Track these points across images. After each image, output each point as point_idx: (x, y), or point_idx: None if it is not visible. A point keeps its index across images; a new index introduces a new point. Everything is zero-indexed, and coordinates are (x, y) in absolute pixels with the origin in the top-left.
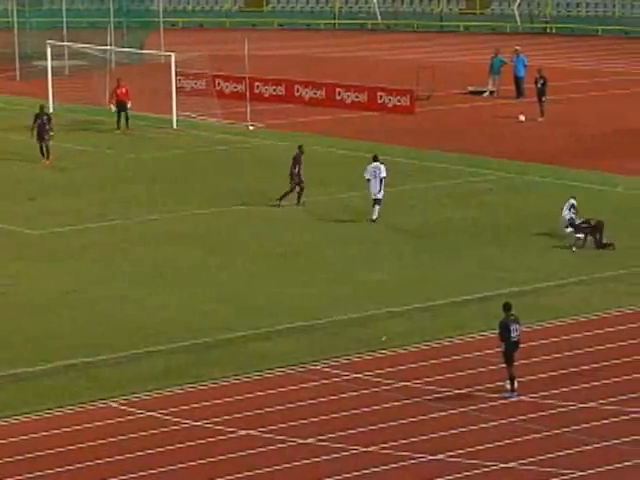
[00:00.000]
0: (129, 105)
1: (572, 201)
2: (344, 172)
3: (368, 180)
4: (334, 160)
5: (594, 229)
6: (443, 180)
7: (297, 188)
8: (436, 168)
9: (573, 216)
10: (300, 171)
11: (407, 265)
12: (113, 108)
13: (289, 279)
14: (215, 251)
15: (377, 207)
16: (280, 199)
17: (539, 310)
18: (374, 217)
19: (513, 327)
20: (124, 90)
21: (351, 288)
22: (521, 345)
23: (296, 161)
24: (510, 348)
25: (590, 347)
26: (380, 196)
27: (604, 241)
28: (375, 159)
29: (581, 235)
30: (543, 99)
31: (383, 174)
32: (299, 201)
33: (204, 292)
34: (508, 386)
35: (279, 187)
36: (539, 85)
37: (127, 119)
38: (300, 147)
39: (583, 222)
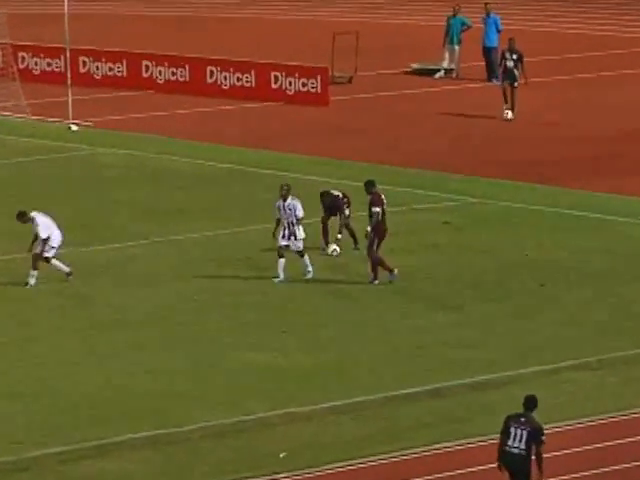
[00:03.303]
0: None
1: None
2: (221, 196)
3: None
4: (206, 177)
5: None
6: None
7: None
8: (363, 189)
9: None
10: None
11: (311, 341)
12: None
13: (129, 363)
14: (13, 319)
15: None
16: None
17: (519, 407)
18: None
19: (515, 432)
20: None
21: (226, 376)
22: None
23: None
24: (504, 461)
25: (610, 466)
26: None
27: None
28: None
29: None
30: (515, 84)
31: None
32: (355, 245)
33: None
34: None
35: (116, 220)
36: (509, 63)
37: None
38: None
39: None
